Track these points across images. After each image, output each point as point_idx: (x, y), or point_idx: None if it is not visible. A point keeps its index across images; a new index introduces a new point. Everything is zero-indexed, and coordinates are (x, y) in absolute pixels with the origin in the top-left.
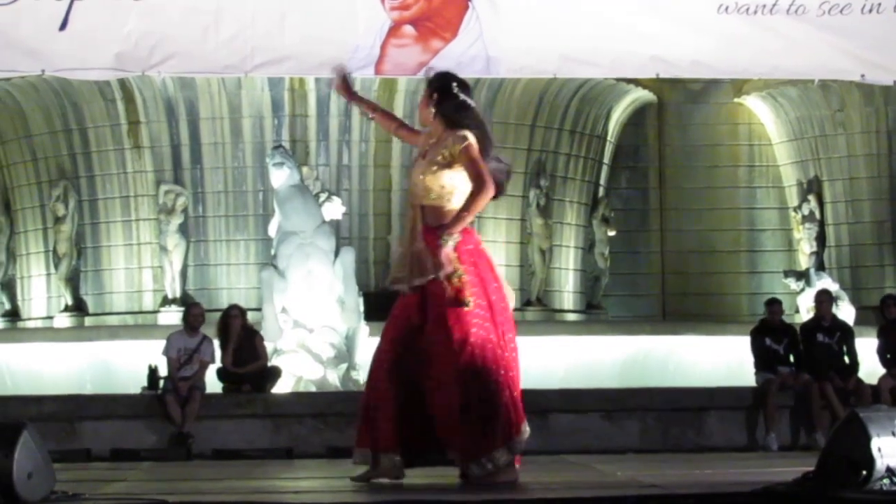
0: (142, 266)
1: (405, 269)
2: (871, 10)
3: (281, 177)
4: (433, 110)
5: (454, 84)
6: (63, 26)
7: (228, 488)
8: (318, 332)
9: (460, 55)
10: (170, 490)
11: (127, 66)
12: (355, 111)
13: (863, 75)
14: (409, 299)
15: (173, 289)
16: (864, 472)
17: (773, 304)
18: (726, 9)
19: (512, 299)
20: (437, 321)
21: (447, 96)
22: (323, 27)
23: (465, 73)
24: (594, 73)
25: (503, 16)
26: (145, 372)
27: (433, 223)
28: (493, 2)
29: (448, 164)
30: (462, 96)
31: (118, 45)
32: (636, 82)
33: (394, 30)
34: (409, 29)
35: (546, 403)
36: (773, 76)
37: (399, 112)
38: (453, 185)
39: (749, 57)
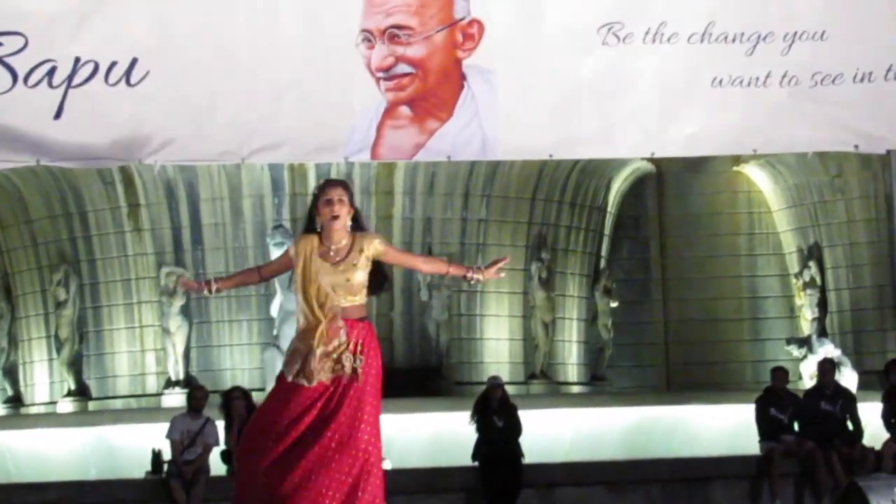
0: (144, 349)
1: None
2: (862, 80)
3: None
4: (349, 221)
5: None
6: (58, 115)
7: None
8: None
9: (455, 136)
10: None
11: (124, 155)
12: (355, 189)
13: (856, 146)
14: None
15: (176, 371)
16: None
17: (778, 372)
18: (720, 82)
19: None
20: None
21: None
22: (321, 106)
23: (461, 156)
24: (590, 154)
25: (499, 95)
26: (149, 456)
27: (356, 316)
28: (489, 80)
29: (364, 264)
30: None
31: (114, 132)
32: None
33: (389, 111)
34: (405, 110)
35: (551, 477)
36: (768, 150)
37: (399, 188)
38: (365, 282)
39: (743, 130)
